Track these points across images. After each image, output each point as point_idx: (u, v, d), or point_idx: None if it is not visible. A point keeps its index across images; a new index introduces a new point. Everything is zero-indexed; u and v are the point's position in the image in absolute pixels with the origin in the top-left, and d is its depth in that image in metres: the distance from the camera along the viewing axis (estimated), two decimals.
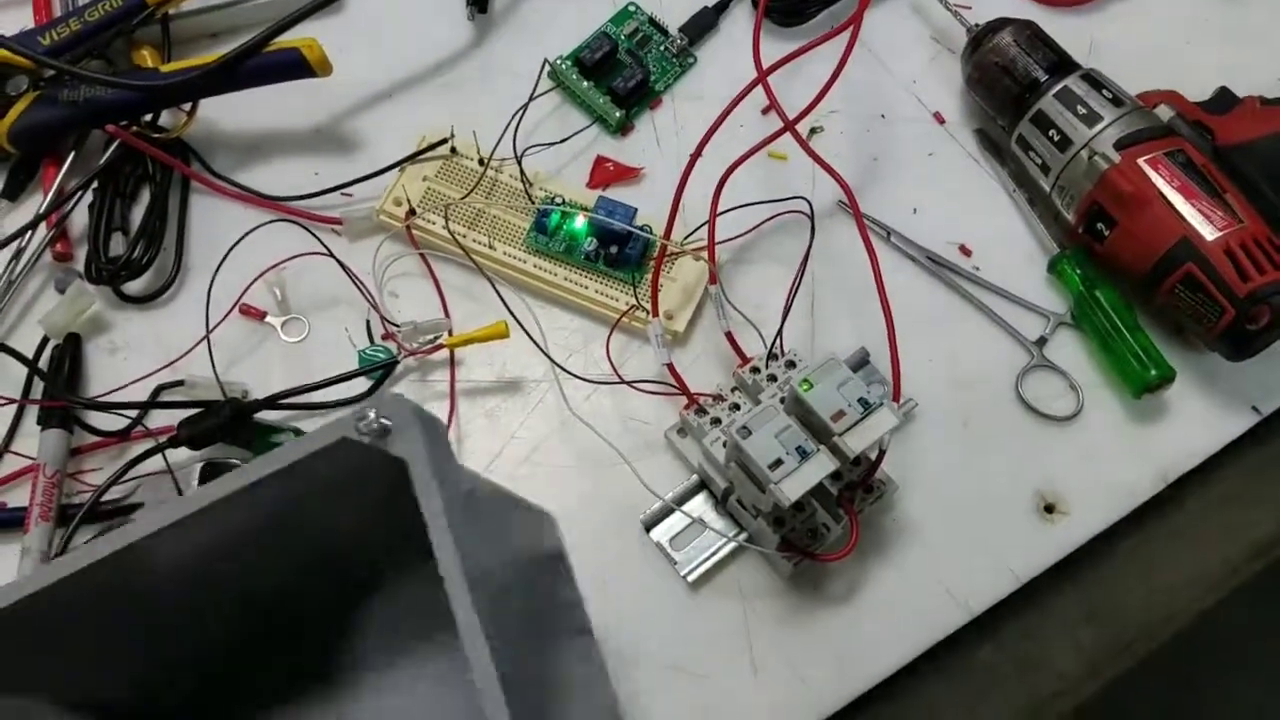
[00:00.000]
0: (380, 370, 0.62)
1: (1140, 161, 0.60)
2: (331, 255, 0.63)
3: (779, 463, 0.52)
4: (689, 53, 0.71)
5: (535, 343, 0.60)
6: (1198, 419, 0.62)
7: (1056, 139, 0.62)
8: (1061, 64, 0.64)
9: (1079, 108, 0.62)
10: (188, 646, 0.51)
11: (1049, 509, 0.60)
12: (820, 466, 0.51)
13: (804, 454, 0.52)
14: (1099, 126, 0.61)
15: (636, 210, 0.63)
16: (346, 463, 0.45)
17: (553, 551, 0.54)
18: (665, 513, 0.60)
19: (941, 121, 0.70)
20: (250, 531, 0.47)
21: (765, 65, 0.62)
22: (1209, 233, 0.58)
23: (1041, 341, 0.63)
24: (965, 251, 0.66)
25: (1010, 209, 0.67)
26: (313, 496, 0.46)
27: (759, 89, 0.62)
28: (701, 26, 0.71)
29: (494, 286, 0.63)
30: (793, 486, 0.51)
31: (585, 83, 0.69)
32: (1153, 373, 0.60)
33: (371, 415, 0.41)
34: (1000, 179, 0.68)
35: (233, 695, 0.53)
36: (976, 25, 0.68)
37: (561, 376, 0.61)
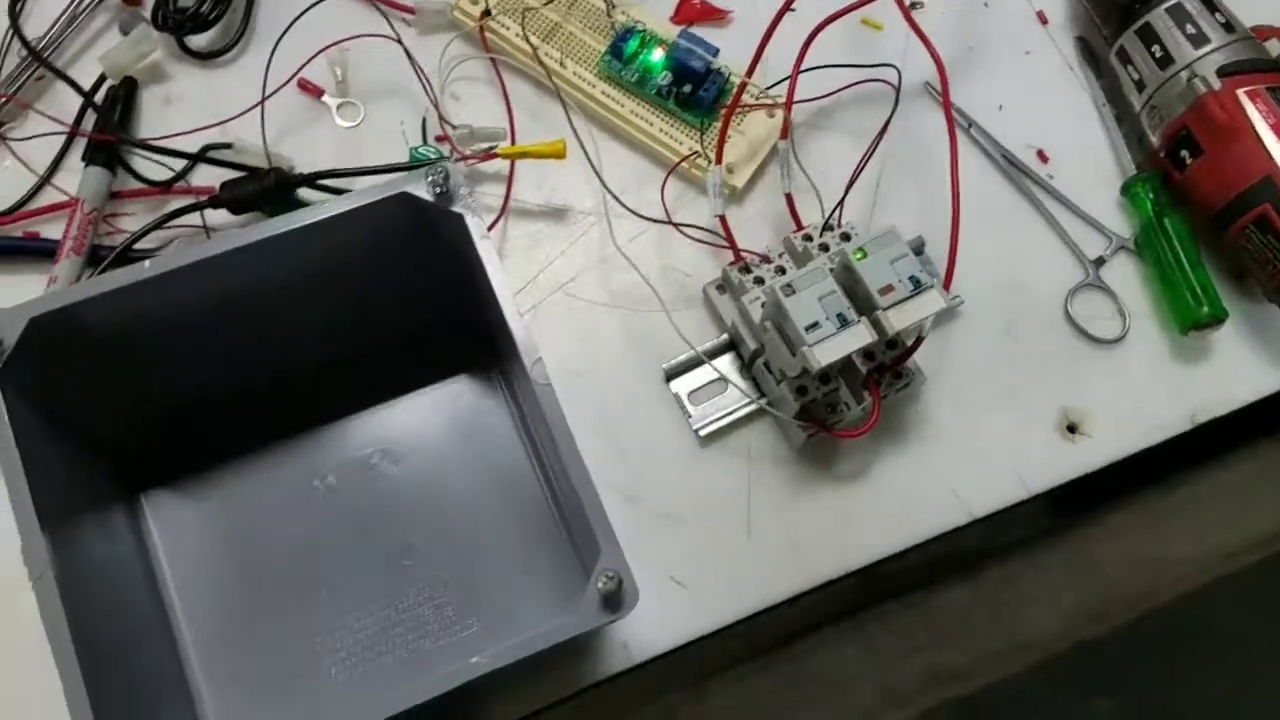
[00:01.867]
0: None
1: (1240, 92, 0.57)
2: (399, 42, 0.61)
3: (816, 326, 0.51)
4: None
5: (593, 167, 0.59)
6: (1239, 368, 0.61)
7: (1158, 55, 0.60)
8: None
9: (1188, 27, 0.59)
10: (220, 373, 0.54)
11: (1071, 428, 0.59)
12: (857, 337, 0.51)
13: (843, 321, 0.51)
14: (1205, 49, 0.58)
15: (719, 50, 0.61)
16: (395, 217, 0.46)
17: None
18: (689, 366, 0.59)
19: (1044, 22, 0.67)
20: (298, 270, 0.49)
21: None
22: None
23: (1099, 262, 0.62)
24: (1042, 157, 0.64)
25: (1096, 123, 0.65)
26: (359, 246, 0.50)
27: None
28: None
29: (564, 105, 0.61)
30: (825, 351, 0.50)
31: None
32: (1205, 309, 0.58)
33: (441, 172, 0.46)
34: (1092, 91, 0.65)
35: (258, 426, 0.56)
36: None
37: (612, 209, 0.60)
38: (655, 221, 0.59)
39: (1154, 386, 0.60)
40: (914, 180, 0.63)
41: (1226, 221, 0.59)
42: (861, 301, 0.52)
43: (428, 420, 0.57)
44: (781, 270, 0.58)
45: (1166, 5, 0.60)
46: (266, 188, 0.57)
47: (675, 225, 0.58)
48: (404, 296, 0.54)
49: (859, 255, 0.52)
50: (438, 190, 0.47)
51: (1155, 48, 0.60)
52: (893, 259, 0.52)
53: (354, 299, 0.53)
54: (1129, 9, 0.61)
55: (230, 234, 0.46)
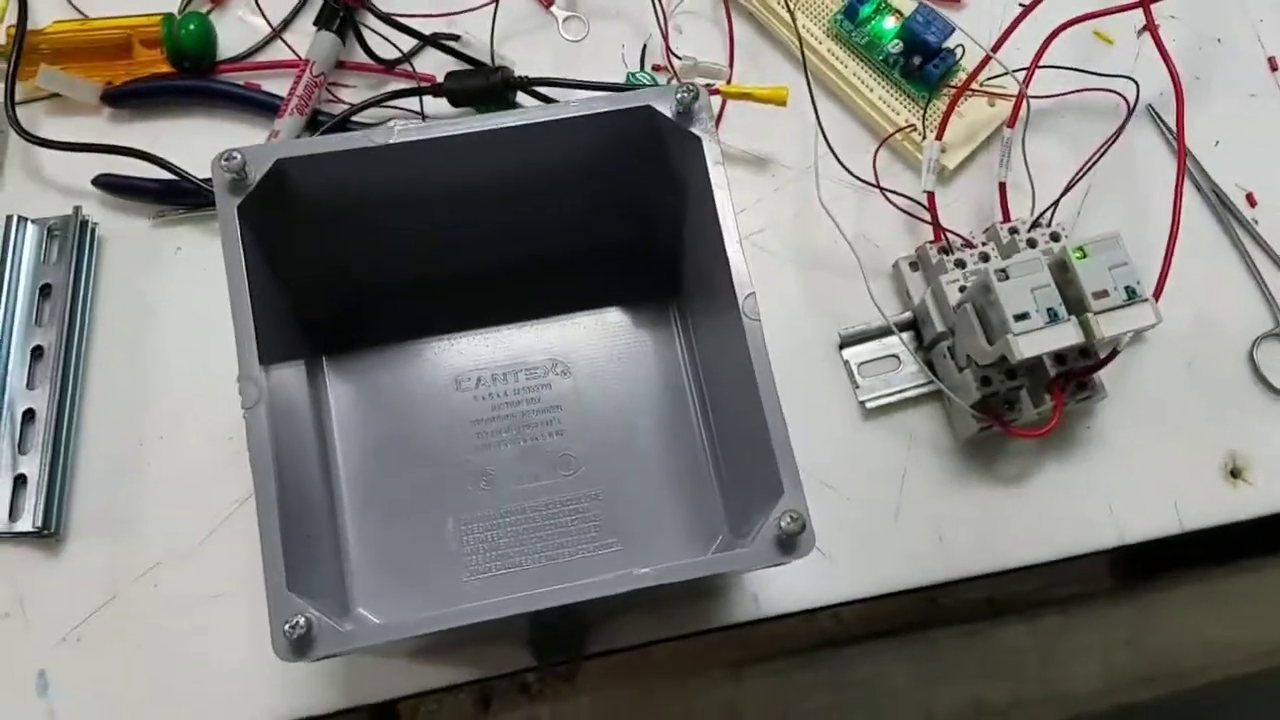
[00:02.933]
0: None
1: None
2: None
3: (1025, 316, 0.50)
4: None
5: (817, 117, 0.58)
6: None
7: None
8: None
9: None
10: (416, 257, 0.54)
11: (1235, 473, 0.59)
12: (1064, 335, 0.50)
13: (1053, 316, 0.50)
14: None
15: (954, 29, 0.61)
16: (629, 132, 0.48)
17: None
18: (864, 337, 0.59)
19: (1274, 68, 0.66)
20: (519, 167, 0.50)
21: None
22: None
23: None
24: (1251, 201, 0.63)
25: None
26: (582, 152, 0.49)
27: None
28: None
29: (798, 43, 0.61)
30: (1030, 343, 0.50)
31: None
32: None
33: (690, 90, 0.47)
34: None
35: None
36: None
37: (823, 161, 0.60)
38: (865, 183, 0.58)
39: None
40: (1121, 199, 0.62)
41: None
42: (1072, 302, 0.52)
43: (601, 340, 0.57)
44: (985, 257, 0.57)
45: None
46: (493, 85, 0.58)
47: (883, 190, 0.58)
48: (608, 212, 0.54)
49: (1079, 254, 0.51)
50: (681, 109, 0.47)
51: None
52: (1111, 265, 0.51)
53: (562, 206, 0.53)
54: None
55: (467, 119, 0.46)
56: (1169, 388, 0.59)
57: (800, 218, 0.61)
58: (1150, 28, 0.58)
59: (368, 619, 0.51)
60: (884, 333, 0.59)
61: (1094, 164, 0.58)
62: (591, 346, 0.57)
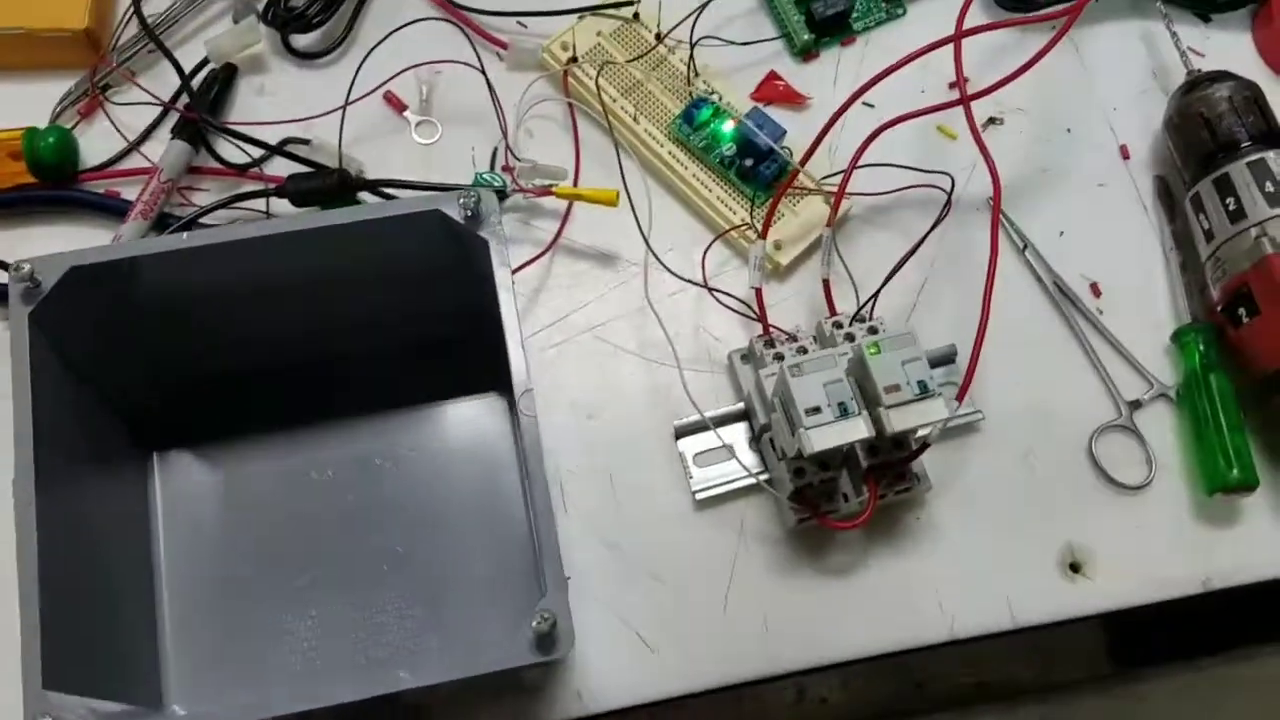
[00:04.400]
0: None
1: None
2: (483, 74, 0.63)
3: (817, 410, 0.51)
4: (901, 3, 0.69)
5: (638, 224, 0.60)
6: (1264, 540, 0.58)
7: (1231, 208, 0.58)
8: (1268, 136, 0.60)
9: (1268, 184, 0.58)
10: (245, 352, 0.56)
11: (1074, 567, 0.58)
12: (854, 429, 0.50)
13: (844, 411, 0.51)
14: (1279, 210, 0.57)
15: (785, 133, 0.62)
16: (430, 234, 0.50)
17: None
18: (700, 428, 0.59)
19: (1126, 157, 0.66)
20: (331, 266, 0.52)
21: (977, 49, 0.60)
22: None
23: (1135, 405, 0.60)
24: (1095, 291, 0.63)
25: (1158, 266, 0.64)
26: (392, 253, 0.51)
27: (951, 57, 0.60)
28: None
29: (618, 156, 0.63)
30: (821, 437, 0.50)
31: None
32: (1234, 473, 0.56)
33: (473, 197, 0.49)
34: (1161, 233, 0.64)
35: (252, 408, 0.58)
36: (1199, 71, 0.64)
37: (651, 264, 0.61)
38: (690, 283, 0.59)
39: (1169, 542, 0.58)
40: (959, 290, 0.62)
41: (1274, 388, 0.57)
42: (869, 396, 0.52)
43: (436, 434, 0.59)
44: (804, 351, 0.58)
45: (1249, 159, 0.59)
46: (328, 185, 0.60)
47: (709, 289, 0.59)
48: (429, 309, 0.55)
49: (873, 350, 0.52)
50: (467, 213, 0.49)
51: (1230, 200, 0.59)
52: (905, 360, 0.52)
53: (382, 303, 0.55)
54: (1210, 156, 0.60)
55: (273, 221, 0.49)
56: (1004, 479, 0.59)
57: (641, 312, 0.62)
58: (970, 123, 0.59)
59: (175, 713, 0.52)
60: (718, 423, 0.59)
61: (907, 259, 0.59)
62: (430, 440, 0.59)
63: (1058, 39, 0.58)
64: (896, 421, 0.51)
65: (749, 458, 0.59)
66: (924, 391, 0.51)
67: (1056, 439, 0.60)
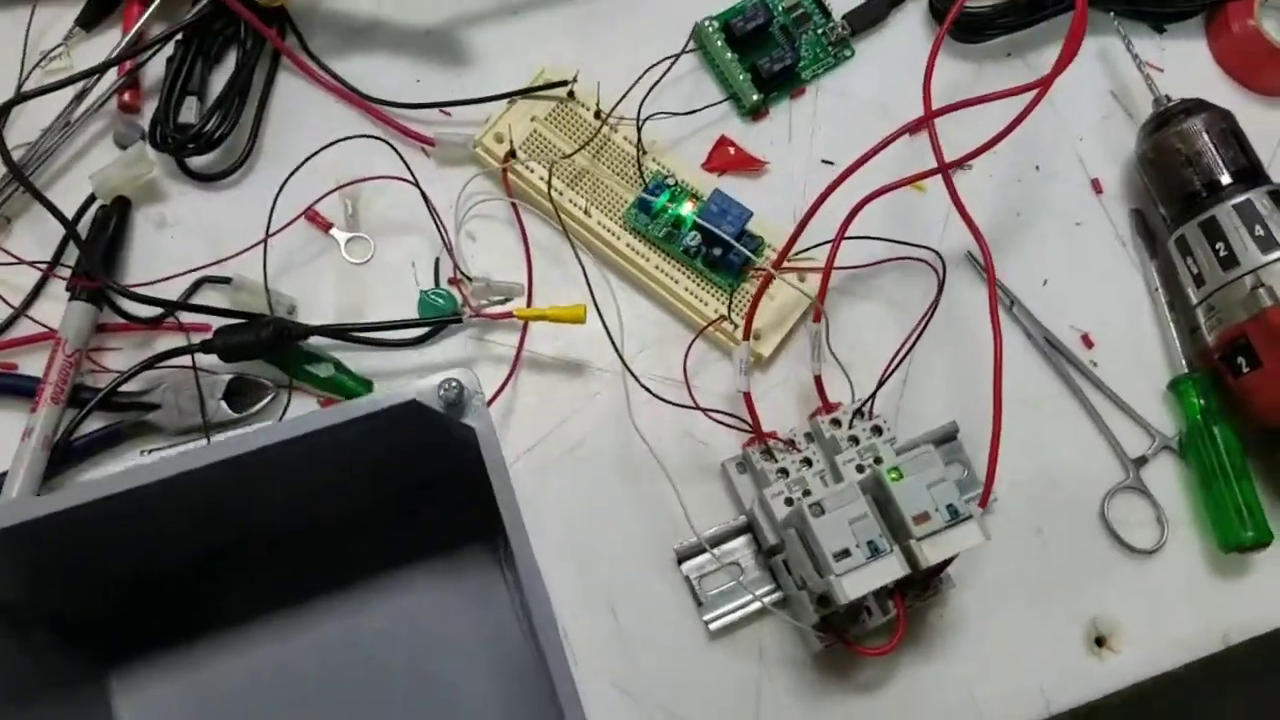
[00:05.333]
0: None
1: None
2: (416, 185, 0.57)
3: (846, 553, 0.48)
4: (848, 44, 0.64)
5: (611, 340, 0.55)
6: (1278, 588, 0.58)
7: (1222, 254, 0.56)
8: (1251, 171, 0.58)
9: (1257, 228, 0.56)
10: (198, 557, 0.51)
11: (1099, 641, 0.56)
12: (889, 570, 0.48)
13: (875, 551, 0.48)
14: (1274, 255, 0.55)
15: (751, 215, 0.57)
16: (403, 418, 0.44)
17: None
18: (701, 549, 0.56)
19: (1098, 191, 0.63)
20: (276, 466, 0.45)
21: (933, 86, 0.55)
22: None
23: (1141, 461, 0.58)
24: (1087, 342, 0.60)
25: (1146, 308, 0.61)
26: (359, 438, 0.45)
27: (914, 96, 0.55)
28: (869, 18, 0.64)
29: (577, 255, 0.58)
30: (855, 584, 0.47)
31: (729, 54, 0.62)
32: (1249, 533, 0.55)
33: (455, 384, 0.43)
34: (1145, 271, 0.62)
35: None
36: (1167, 98, 0.61)
37: (638, 360, 0.57)
38: (672, 404, 0.54)
39: (1189, 602, 0.57)
40: (950, 357, 0.59)
41: (1278, 442, 0.55)
42: (894, 524, 0.49)
43: (422, 598, 0.54)
44: (808, 462, 0.54)
45: (1235, 201, 0.56)
46: (263, 340, 0.53)
47: (698, 407, 0.54)
48: (401, 470, 0.50)
49: (894, 476, 0.49)
50: (449, 403, 0.43)
51: (1219, 245, 0.56)
52: (929, 483, 0.49)
53: (350, 475, 0.49)
54: (1193, 197, 0.58)
55: (221, 444, 0.42)
56: (1020, 560, 0.57)
57: (622, 422, 0.57)
58: (953, 197, 0.55)
59: None
60: (720, 541, 0.56)
61: (907, 351, 0.55)
62: (411, 606, 0.53)
63: (1033, 106, 0.53)
64: (932, 554, 0.48)
65: (758, 574, 0.55)
66: (955, 517, 0.48)
67: (1067, 508, 0.58)
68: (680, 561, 0.56)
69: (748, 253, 0.57)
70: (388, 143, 0.57)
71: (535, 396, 0.58)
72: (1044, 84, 0.52)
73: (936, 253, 0.57)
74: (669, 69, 0.59)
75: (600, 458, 0.57)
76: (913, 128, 0.55)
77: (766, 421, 0.57)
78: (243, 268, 0.56)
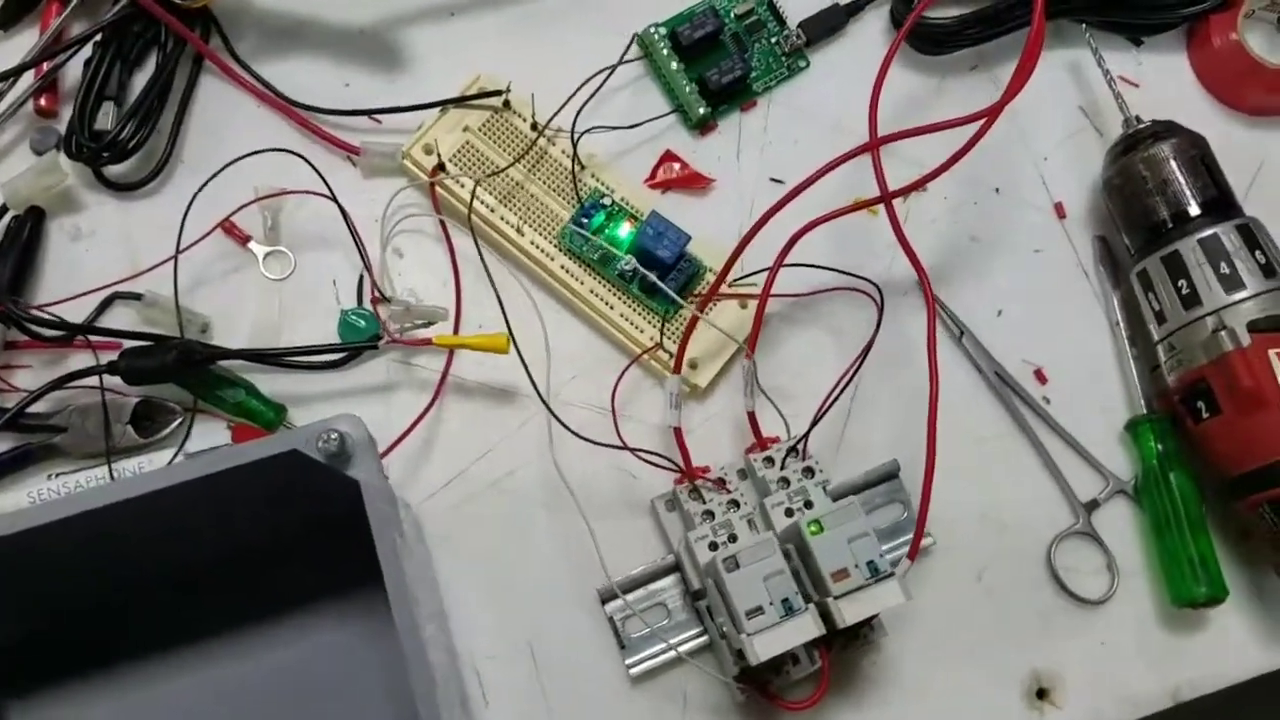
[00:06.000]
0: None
1: (1273, 353, 0.51)
2: (333, 199, 0.55)
3: (759, 611, 0.45)
4: (803, 54, 0.61)
5: (530, 377, 0.52)
6: (1235, 644, 0.55)
7: (1184, 292, 0.53)
8: (1220, 202, 0.54)
9: (1222, 265, 0.52)
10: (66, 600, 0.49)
11: (1041, 694, 0.54)
12: (803, 630, 0.45)
13: (789, 609, 0.45)
14: (1239, 296, 0.52)
15: (690, 239, 0.55)
16: (283, 466, 0.42)
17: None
18: (627, 589, 0.53)
19: (1061, 216, 0.60)
20: (163, 510, 0.43)
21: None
22: None
23: (1093, 505, 0.56)
24: (1040, 377, 0.57)
25: (1106, 341, 0.58)
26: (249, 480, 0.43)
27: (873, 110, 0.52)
28: (826, 26, 0.61)
29: (491, 281, 0.55)
30: (767, 644, 0.45)
31: (675, 63, 0.59)
32: (1202, 589, 0.52)
33: (335, 436, 0.41)
34: (1106, 303, 0.59)
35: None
36: (1138, 119, 0.58)
37: (570, 386, 0.55)
38: (597, 444, 0.52)
39: (1138, 657, 0.54)
40: (897, 389, 0.56)
41: (1240, 491, 0.52)
42: (813, 578, 0.47)
43: (313, 644, 0.51)
44: (735, 505, 0.52)
45: (1200, 235, 0.53)
46: (168, 365, 0.51)
47: (624, 447, 0.52)
48: (290, 513, 0.48)
49: (814, 529, 0.46)
50: (332, 453, 0.41)
51: (1182, 282, 0.53)
52: (850, 537, 0.46)
53: (233, 520, 0.47)
54: (1158, 229, 0.55)
55: (89, 493, 0.40)
56: (960, 606, 0.54)
57: (550, 452, 0.55)
58: (895, 229, 0.52)
59: None
60: (646, 580, 0.53)
61: (843, 388, 0.52)
62: (299, 653, 0.51)
63: (981, 133, 0.50)
64: (849, 614, 0.45)
65: (685, 615, 0.53)
66: (875, 574, 0.46)
67: (1011, 553, 0.55)
68: (604, 601, 0.53)
69: (692, 265, 0.54)
70: (299, 155, 0.55)
71: (459, 424, 0.56)
72: (991, 113, 0.49)
73: (875, 284, 0.54)
74: (605, 80, 0.56)
75: (526, 490, 0.55)
76: (857, 154, 0.52)
77: (702, 454, 0.54)
78: (159, 282, 0.54)
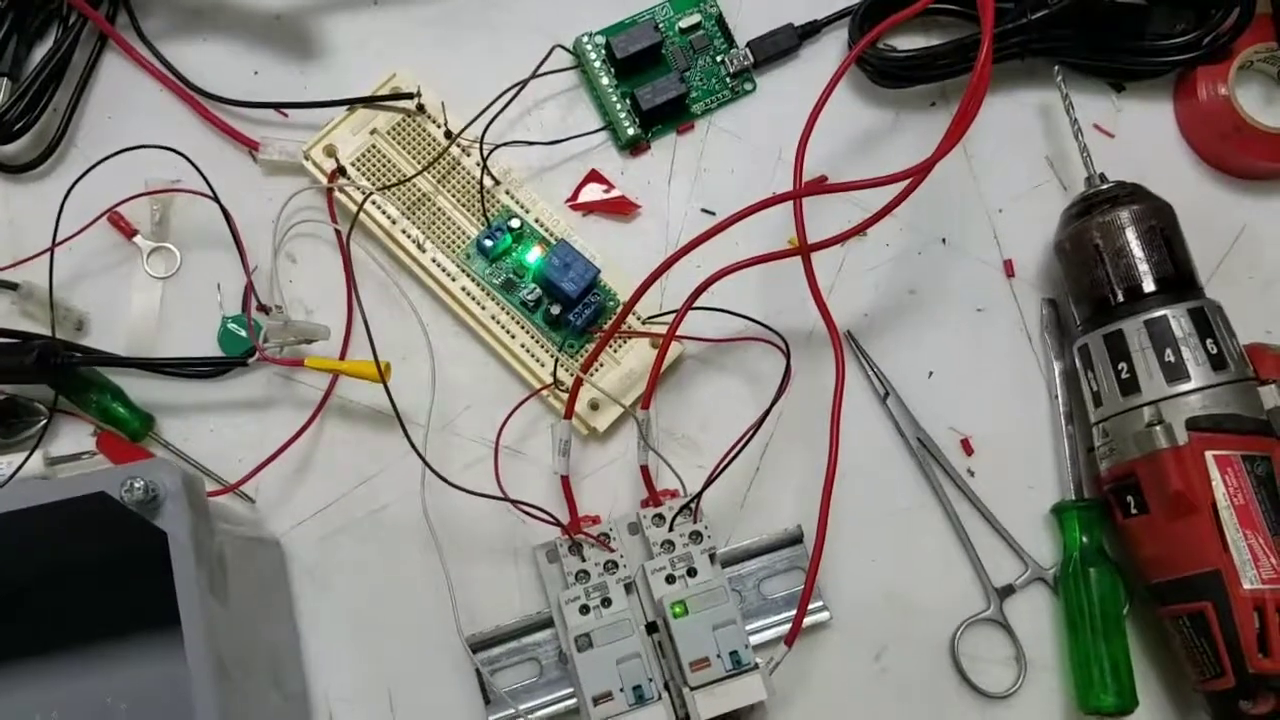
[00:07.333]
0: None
1: (1209, 455, 0.47)
2: (218, 202, 0.51)
3: (608, 697, 0.42)
4: (749, 76, 0.56)
5: (399, 417, 0.48)
6: None
7: (1124, 376, 0.49)
8: (1176, 282, 0.49)
9: (1167, 353, 0.48)
10: None
11: None
12: None
13: (640, 698, 0.42)
14: (1181, 388, 0.47)
15: (599, 272, 0.51)
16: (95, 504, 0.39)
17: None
18: (498, 639, 0.50)
19: (1010, 274, 0.55)
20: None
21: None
22: (1248, 579, 0.46)
23: (1007, 591, 0.52)
24: (967, 448, 0.53)
25: (1043, 414, 0.54)
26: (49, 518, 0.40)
27: (817, 141, 0.48)
28: (778, 49, 0.56)
29: (384, 299, 0.52)
30: None
31: (607, 78, 0.55)
32: (1109, 699, 0.49)
33: (140, 484, 0.38)
34: (1048, 374, 0.54)
35: None
36: (1102, 177, 0.53)
37: (463, 417, 0.52)
38: (471, 493, 0.48)
39: None
40: (810, 448, 0.53)
41: (1159, 598, 0.49)
42: (673, 665, 0.43)
43: (150, 677, 0.49)
44: (613, 567, 0.48)
45: (1148, 316, 0.48)
46: (27, 366, 0.48)
47: (510, 501, 0.48)
48: (136, 554, 0.44)
49: (678, 610, 0.43)
50: (142, 500, 0.38)
51: (1122, 365, 0.49)
52: (715, 624, 0.43)
53: (80, 562, 0.45)
54: (1104, 303, 0.50)
55: None
56: (853, 689, 0.51)
57: (431, 486, 0.51)
58: (813, 289, 0.48)
59: None
60: (521, 633, 0.50)
61: (747, 442, 0.49)
62: (144, 676, 0.48)
63: (909, 191, 0.46)
64: (704, 708, 0.42)
65: (557, 674, 0.50)
66: (737, 666, 0.42)
67: (915, 635, 0.52)
68: (475, 650, 0.50)
69: (599, 299, 0.50)
70: (183, 154, 0.51)
71: (340, 448, 0.52)
72: (919, 171, 0.45)
73: (782, 337, 0.50)
74: (518, 92, 0.53)
75: (402, 525, 0.52)
76: (781, 200, 0.48)
77: (598, 501, 0.51)
78: (40, 271, 0.51)
